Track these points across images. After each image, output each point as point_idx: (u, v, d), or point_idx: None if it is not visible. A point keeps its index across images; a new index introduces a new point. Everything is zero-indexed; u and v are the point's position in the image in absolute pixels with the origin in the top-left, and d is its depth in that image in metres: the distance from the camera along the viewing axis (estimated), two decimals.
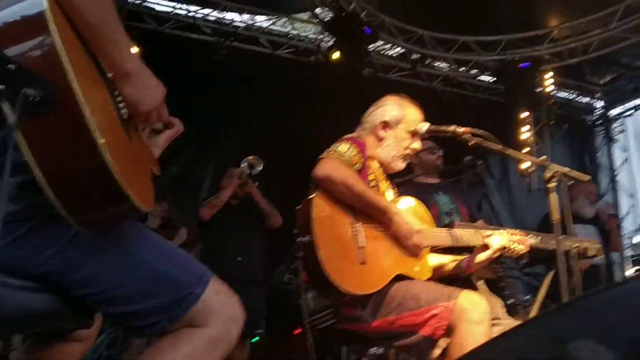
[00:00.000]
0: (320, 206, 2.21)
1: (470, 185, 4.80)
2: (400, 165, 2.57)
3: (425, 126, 2.57)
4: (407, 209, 2.52)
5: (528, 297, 4.22)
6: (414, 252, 2.36)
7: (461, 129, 2.53)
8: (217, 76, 6.09)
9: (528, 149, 6.77)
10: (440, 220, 3.60)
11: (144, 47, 4.55)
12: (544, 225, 3.85)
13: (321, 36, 6.80)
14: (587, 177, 2.76)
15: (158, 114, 1.38)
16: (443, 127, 2.58)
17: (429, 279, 2.42)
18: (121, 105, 1.29)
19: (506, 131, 6.73)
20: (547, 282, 3.63)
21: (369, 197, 2.28)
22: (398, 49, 7.04)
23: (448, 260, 2.61)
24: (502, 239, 2.53)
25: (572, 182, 2.55)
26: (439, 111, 5.85)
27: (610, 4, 6.40)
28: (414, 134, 2.56)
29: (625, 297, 1.00)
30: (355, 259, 2.19)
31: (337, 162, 2.28)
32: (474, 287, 2.97)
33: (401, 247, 2.34)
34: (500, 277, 3.74)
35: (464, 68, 7.43)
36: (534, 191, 7.10)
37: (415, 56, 6.96)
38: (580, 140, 8.63)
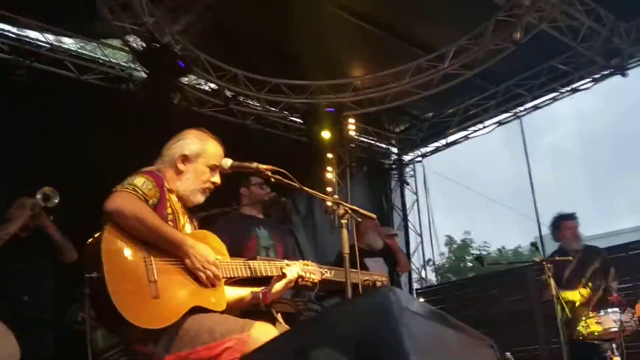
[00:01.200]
0: (110, 240, 2.13)
1: (278, 221, 4.96)
2: (200, 198, 2.57)
3: (228, 162, 2.62)
4: (203, 241, 2.49)
5: None
6: (211, 283, 2.35)
7: (263, 167, 2.64)
8: (11, 98, 5.54)
9: (330, 188, 7.21)
10: (258, 253, 3.72)
11: None
12: (339, 260, 4.12)
13: (132, 64, 6.60)
14: (373, 215, 3.05)
15: None
16: (246, 164, 2.66)
17: (228, 312, 2.43)
18: None
19: (312, 170, 7.11)
20: None
21: (162, 231, 2.25)
22: (212, 84, 7.10)
23: (246, 293, 2.65)
24: (297, 269, 2.67)
25: (361, 219, 2.79)
26: (251, 148, 5.99)
27: (404, 62, 7.19)
28: (214, 168, 2.58)
29: (354, 310, 1.16)
30: (147, 293, 2.13)
31: (128, 195, 2.22)
32: (274, 321, 3.06)
33: (196, 279, 2.33)
34: (300, 311, 3.89)
35: (275, 108, 7.73)
36: (336, 228, 7.53)
37: (228, 93, 7.08)
38: (377, 182, 9.41)
